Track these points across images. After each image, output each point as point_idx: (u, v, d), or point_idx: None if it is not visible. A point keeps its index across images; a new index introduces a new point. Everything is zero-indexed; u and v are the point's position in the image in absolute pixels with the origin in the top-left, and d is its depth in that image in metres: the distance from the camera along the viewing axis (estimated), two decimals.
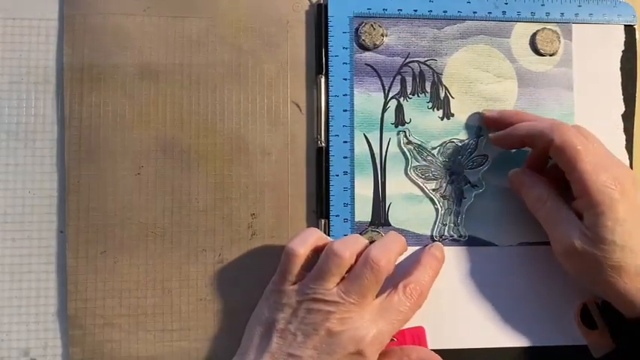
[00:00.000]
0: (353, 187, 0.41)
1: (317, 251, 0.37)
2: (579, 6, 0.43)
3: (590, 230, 0.35)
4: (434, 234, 0.41)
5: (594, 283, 0.37)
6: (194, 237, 0.40)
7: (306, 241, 0.37)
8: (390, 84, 0.42)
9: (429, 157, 0.42)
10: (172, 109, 0.41)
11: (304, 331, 0.35)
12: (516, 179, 0.40)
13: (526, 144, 0.39)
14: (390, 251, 0.36)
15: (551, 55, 0.43)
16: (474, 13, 0.42)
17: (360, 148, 0.41)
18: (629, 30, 0.44)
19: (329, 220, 0.40)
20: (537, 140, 0.37)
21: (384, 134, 0.42)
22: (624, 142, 0.43)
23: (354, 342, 0.34)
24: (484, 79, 0.43)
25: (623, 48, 0.43)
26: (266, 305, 0.37)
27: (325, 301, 0.35)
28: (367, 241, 0.37)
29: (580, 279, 0.38)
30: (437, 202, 0.41)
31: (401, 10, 0.42)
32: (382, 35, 0.42)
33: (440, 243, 0.41)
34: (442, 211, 0.41)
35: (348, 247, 0.36)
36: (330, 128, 0.41)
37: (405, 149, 0.41)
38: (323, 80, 0.41)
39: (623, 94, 0.43)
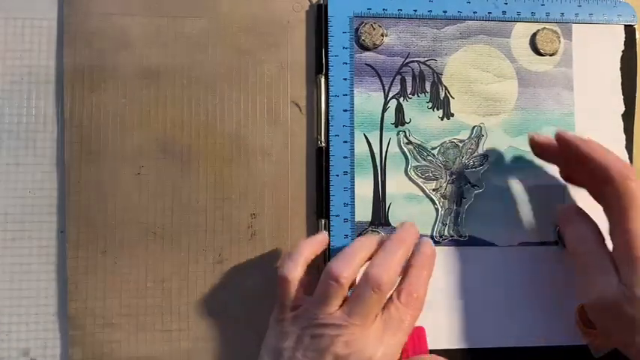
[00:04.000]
0: (353, 187, 0.41)
1: (312, 266, 0.36)
2: (579, 6, 0.43)
3: (627, 288, 0.33)
4: (434, 234, 0.41)
5: (625, 344, 0.35)
6: (194, 237, 0.40)
7: (296, 262, 0.36)
8: (390, 84, 0.42)
9: (429, 157, 0.42)
10: (172, 109, 0.41)
11: (311, 358, 0.34)
12: (564, 214, 0.38)
13: (579, 162, 0.36)
14: (390, 266, 0.34)
15: (551, 55, 0.43)
16: (474, 13, 0.42)
17: (360, 148, 0.41)
18: (629, 30, 0.43)
19: (329, 220, 0.40)
20: (598, 171, 0.35)
21: (384, 134, 0.42)
22: (624, 142, 0.43)
23: None
24: (484, 79, 0.42)
25: (623, 48, 0.43)
26: (272, 334, 0.36)
27: (328, 325, 0.34)
28: (367, 249, 0.36)
29: (608, 335, 0.36)
30: (437, 202, 0.41)
31: (401, 10, 0.42)
32: (382, 35, 0.42)
33: (428, 239, 0.38)
34: (442, 211, 0.41)
35: (347, 266, 0.34)
36: (330, 128, 0.41)
37: (405, 149, 0.41)
38: (323, 80, 0.41)
39: (623, 94, 0.43)
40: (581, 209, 0.38)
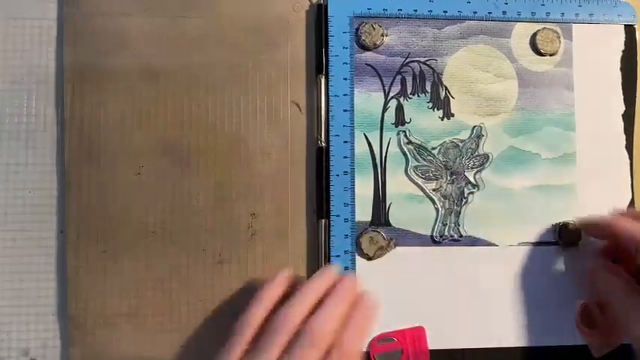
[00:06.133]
0: (353, 187, 0.41)
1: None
2: (579, 6, 0.43)
3: None
4: (434, 234, 0.41)
5: None
6: (194, 237, 0.40)
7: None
8: (390, 84, 0.42)
9: (429, 157, 0.42)
10: (172, 109, 0.41)
11: None
12: (596, 269, 0.39)
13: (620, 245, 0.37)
14: (332, 322, 0.33)
15: (551, 55, 0.43)
16: (474, 13, 0.42)
17: (361, 148, 0.41)
18: (629, 30, 0.43)
19: (329, 220, 0.40)
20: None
21: (384, 134, 0.42)
22: (624, 142, 0.43)
23: None
24: (484, 79, 0.42)
25: (623, 48, 0.43)
26: None
27: None
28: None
29: None
30: (437, 202, 0.41)
31: (401, 10, 0.42)
32: (382, 35, 0.42)
33: (366, 292, 0.36)
34: (442, 211, 0.41)
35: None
36: (330, 128, 0.41)
37: (405, 149, 0.41)
38: (323, 80, 0.41)
39: (623, 94, 0.43)
40: (608, 263, 0.39)
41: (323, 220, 0.40)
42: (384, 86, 0.42)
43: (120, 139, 0.40)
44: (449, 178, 0.42)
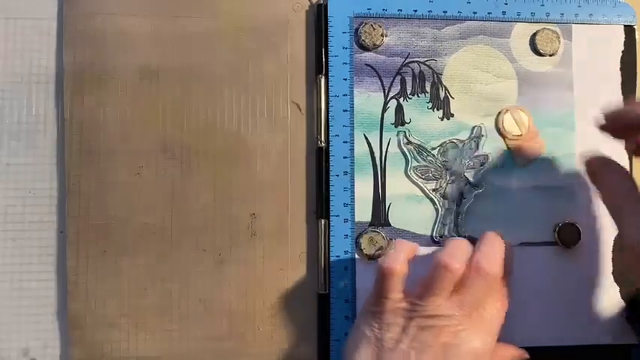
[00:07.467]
0: (353, 187, 0.41)
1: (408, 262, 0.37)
2: (579, 6, 0.43)
3: None
4: (434, 234, 0.41)
5: None
6: (194, 237, 0.40)
7: (399, 256, 0.36)
8: (390, 84, 0.42)
9: (429, 158, 0.42)
10: (172, 109, 0.41)
11: (418, 349, 0.34)
12: (595, 162, 0.37)
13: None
14: (496, 256, 0.36)
15: (551, 56, 0.43)
16: (474, 13, 0.42)
17: (360, 148, 0.41)
18: (629, 30, 0.43)
19: (329, 220, 0.40)
20: None
21: (384, 134, 0.42)
22: (624, 143, 0.43)
23: (471, 355, 0.34)
24: (484, 79, 0.43)
25: (623, 48, 0.43)
26: (366, 329, 0.36)
27: (438, 316, 0.34)
28: (470, 246, 0.37)
29: None
30: (437, 202, 0.41)
31: (401, 10, 0.42)
32: (382, 35, 0.42)
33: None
34: (442, 212, 0.41)
35: (458, 258, 0.35)
36: (330, 128, 0.41)
37: (405, 149, 0.41)
38: (323, 80, 0.41)
39: (623, 94, 0.43)
40: (607, 159, 0.37)
41: (323, 221, 0.40)
42: (383, 86, 0.42)
43: (120, 139, 0.40)
44: (449, 178, 0.42)
